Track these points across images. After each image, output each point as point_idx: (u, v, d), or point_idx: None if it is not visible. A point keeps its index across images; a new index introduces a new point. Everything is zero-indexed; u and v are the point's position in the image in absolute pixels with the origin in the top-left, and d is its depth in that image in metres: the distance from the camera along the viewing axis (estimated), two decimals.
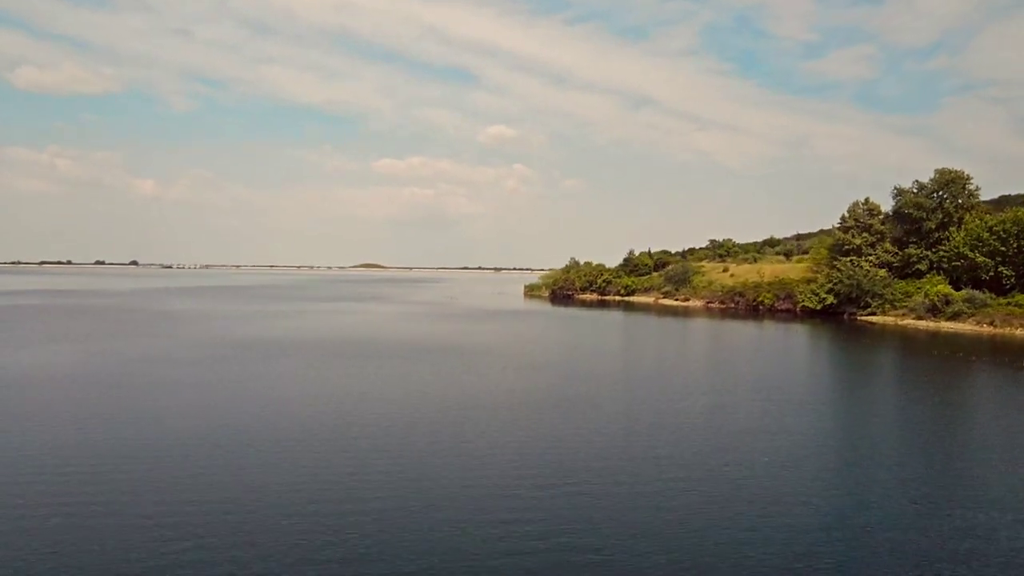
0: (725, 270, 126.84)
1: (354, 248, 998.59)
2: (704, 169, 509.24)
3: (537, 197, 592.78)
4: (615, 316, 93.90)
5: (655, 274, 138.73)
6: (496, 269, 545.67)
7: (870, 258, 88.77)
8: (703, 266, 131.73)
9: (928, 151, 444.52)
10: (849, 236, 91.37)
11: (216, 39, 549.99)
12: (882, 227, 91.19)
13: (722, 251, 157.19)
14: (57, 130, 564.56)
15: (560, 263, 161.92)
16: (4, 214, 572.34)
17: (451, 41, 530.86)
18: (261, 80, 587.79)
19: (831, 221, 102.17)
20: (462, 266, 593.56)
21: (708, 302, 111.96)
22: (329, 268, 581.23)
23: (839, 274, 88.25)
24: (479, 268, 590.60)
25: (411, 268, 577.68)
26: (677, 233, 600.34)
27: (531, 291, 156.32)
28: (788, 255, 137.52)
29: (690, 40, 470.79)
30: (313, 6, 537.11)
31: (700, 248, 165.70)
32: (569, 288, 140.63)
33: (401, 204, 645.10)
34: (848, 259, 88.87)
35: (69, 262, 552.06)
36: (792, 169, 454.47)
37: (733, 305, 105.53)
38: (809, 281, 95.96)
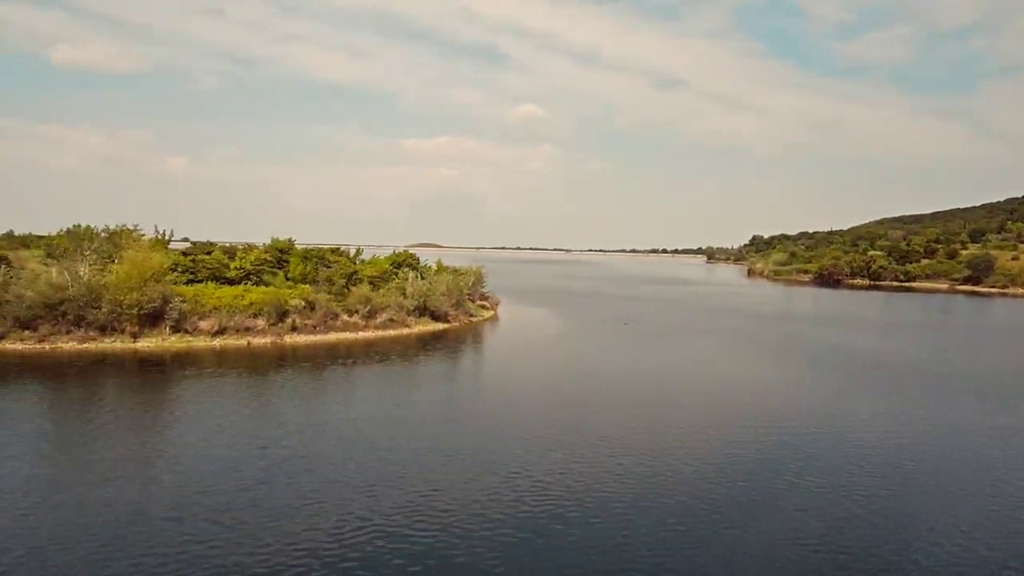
0: (1015, 258, 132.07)
1: (393, 227, 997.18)
2: (734, 151, 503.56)
3: (563, 178, 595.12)
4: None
5: (926, 261, 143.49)
6: (567, 250, 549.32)
7: None
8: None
9: (964, 136, 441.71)
10: None
11: (246, 18, 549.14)
12: None
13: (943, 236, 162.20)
14: (89, 107, 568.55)
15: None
16: (39, 190, 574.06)
17: (479, 19, 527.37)
18: (289, 58, 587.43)
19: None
20: (499, 246, 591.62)
21: None
22: (395, 249, 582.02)
23: None
24: (517, 248, 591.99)
25: (476, 248, 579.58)
26: (710, 217, 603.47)
27: (776, 275, 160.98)
28: None
29: (721, 20, 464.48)
30: None
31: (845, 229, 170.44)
32: (839, 273, 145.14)
33: (427, 183, 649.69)
34: None
35: None
36: (824, 152, 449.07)
37: None
38: None
